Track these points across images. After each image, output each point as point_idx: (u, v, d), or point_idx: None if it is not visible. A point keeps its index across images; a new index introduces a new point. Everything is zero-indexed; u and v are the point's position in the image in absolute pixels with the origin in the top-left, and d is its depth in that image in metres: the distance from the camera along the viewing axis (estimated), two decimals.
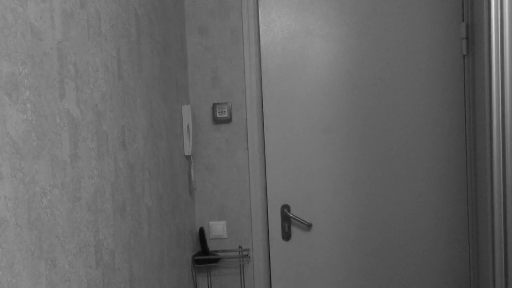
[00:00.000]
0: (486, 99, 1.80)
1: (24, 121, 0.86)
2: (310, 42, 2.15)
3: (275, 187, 2.22)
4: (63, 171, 1.00)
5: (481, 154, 1.90)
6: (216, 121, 2.23)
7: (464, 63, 2.07)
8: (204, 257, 2.18)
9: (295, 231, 2.23)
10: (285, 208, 2.21)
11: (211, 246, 2.27)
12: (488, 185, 1.81)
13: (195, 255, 2.20)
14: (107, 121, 1.26)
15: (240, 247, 2.23)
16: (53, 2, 0.99)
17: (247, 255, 2.21)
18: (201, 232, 2.20)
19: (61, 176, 0.99)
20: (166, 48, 1.88)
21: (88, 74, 1.15)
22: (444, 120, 2.10)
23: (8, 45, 0.81)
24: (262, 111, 2.24)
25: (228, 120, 2.23)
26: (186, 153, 2.10)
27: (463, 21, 2.05)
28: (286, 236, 2.23)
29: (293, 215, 2.19)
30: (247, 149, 2.23)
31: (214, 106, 2.23)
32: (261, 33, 2.17)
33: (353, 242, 2.20)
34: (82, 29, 1.13)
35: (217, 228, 2.26)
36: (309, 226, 2.19)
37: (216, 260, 2.20)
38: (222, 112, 2.22)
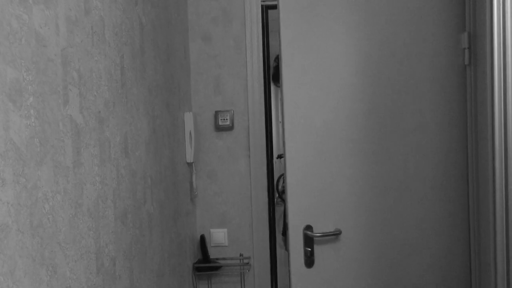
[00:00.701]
0: (488, 109, 1.80)
1: (28, 127, 0.86)
2: (332, 49, 1.97)
3: (296, 206, 1.96)
4: (65, 177, 1.00)
5: (483, 164, 1.90)
6: (218, 128, 2.24)
7: (466, 73, 2.08)
8: (205, 264, 2.17)
9: (318, 255, 1.96)
10: (308, 230, 1.93)
11: (212, 253, 2.27)
12: (490, 195, 1.80)
13: (195, 263, 2.19)
14: (110, 127, 1.27)
15: (241, 255, 2.23)
16: (58, 9, 1.00)
17: (248, 263, 2.21)
18: (202, 239, 2.20)
19: (64, 182, 0.99)
20: (169, 55, 1.89)
21: (91, 80, 1.15)
22: (445, 129, 2.10)
23: (13, 52, 0.82)
24: (266, 119, 2.24)
25: (230, 128, 2.23)
26: (188, 160, 2.10)
27: (465, 30, 2.06)
28: (309, 261, 1.95)
29: (319, 233, 1.90)
30: (249, 156, 2.23)
31: (216, 113, 2.23)
32: (281, 34, 1.91)
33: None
34: (86, 36, 1.13)
35: (218, 236, 2.25)
36: (337, 234, 1.92)
37: (217, 268, 2.19)
38: (224, 119, 2.23)
